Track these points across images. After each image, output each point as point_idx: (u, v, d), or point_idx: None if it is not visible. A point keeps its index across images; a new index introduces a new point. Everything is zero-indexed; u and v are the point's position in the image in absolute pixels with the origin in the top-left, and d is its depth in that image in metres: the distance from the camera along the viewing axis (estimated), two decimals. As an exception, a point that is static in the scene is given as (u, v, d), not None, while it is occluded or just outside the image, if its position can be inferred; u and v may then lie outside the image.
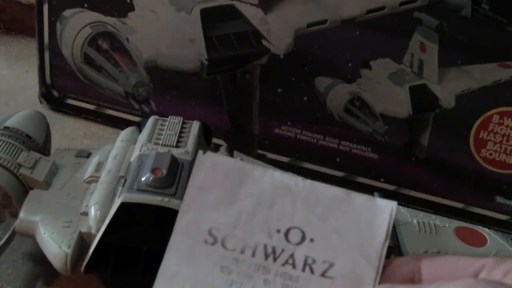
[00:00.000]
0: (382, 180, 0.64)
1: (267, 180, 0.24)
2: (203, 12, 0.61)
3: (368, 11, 0.57)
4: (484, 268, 0.22)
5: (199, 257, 0.23)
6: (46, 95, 0.72)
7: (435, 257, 0.23)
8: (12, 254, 0.52)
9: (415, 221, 0.55)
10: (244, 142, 0.66)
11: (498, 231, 0.58)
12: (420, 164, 0.63)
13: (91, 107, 0.70)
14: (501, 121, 0.58)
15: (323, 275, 0.23)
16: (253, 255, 0.23)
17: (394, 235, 0.53)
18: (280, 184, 0.24)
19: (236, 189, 0.24)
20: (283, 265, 0.23)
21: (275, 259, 0.23)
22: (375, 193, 0.59)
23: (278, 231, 0.23)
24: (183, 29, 0.62)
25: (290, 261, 0.23)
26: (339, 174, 0.65)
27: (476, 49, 0.56)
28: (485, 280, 0.21)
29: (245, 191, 0.24)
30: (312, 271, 0.23)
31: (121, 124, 0.65)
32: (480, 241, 0.55)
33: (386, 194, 0.60)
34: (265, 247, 0.23)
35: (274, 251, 0.23)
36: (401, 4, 0.56)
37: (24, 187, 0.49)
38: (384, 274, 0.23)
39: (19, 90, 0.76)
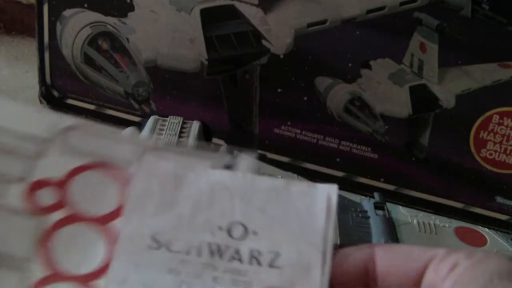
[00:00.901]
0: (382, 180, 0.64)
1: (203, 180, 0.25)
2: (203, 12, 0.61)
3: (368, 11, 0.57)
4: (435, 258, 0.22)
5: (145, 263, 0.23)
6: (46, 95, 0.72)
7: (390, 246, 0.23)
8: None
9: (415, 221, 0.55)
10: (244, 142, 0.66)
11: (498, 231, 0.58)
12: (420, 164, 0.63)
13: (91, 107, 0.70)
14: (501, 121, 0.58)
15: (270, 265, 0.23)
16: (199, 254, 0.23)
17: (394, 235, 0.53)
18: (216, 183, 0.25)
19: (173, 193, 0.24)
20: (229, 261, 0.23)
21: (221, 256, 0.23)
22: (375, 193, 0.59)
23: (220, 228, 0.24)
24: (183, 29, 0.62)
25: (236, 256, 0.23)
26: (339, 174, 0.65)
27: (476, 49, 0.56)
28: None
29: (183, 194, 0.24)
30: (259, 263, 0.23)
31: (121, 124, 0.65)
32: (480, 241, 0.55)
33: (386, 194, 0.60)
34: (210, 245, 0.23)
35: (219, 249, 0.23)
36: (401, 4, 0.56)
37: (24, 187, 0.49)
38: (335, 261, 0.23)
39: (19, 90, 0.76)
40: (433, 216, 0.57)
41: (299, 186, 0.24)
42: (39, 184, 0.25)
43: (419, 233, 0.54)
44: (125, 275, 0.23)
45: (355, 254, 0.23)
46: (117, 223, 0.24)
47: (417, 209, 0.60)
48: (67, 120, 0.26)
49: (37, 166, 0.25)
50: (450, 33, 0.56)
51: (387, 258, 0.23)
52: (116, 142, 0.26)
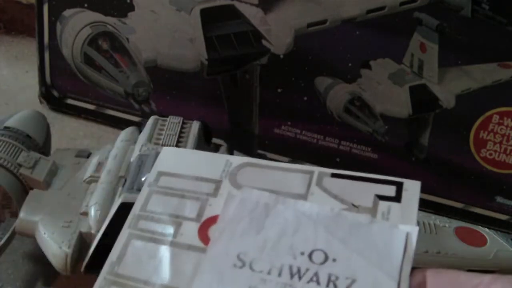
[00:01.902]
0: (382, 180, 0.64)
1: (291, 211, 0.26)
2: (203, 12, 0.61)
3: (368, 11, 0.57)
4: (481, 285, 0.23)
5: (229, 279, 0.25)
6: (46, 95, 0.72)
7: (439, 271, 0.24)
8: (12, 254, 0.52)
9: (415, 221, 0.55)
10: (244, 142, 0.66)
11: (498, 231, 0.58)
12: (420, 164, 0.63)
13: (91, 107, 0.70)
14: (501, 121, 0.58)
15: None
16: (279, 275, 0.25)
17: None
18: (303, 214, 0.26)
19: (262, 220, 0.26)
20: (308, 282, 0.24)
21: (300, 278, 0.24)
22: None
23: (302, 253, 0.25)
24: (183, 29, 0.62)
25: (315, 278, 0.24)
26: (339, 174, 0.65)
27: (476, 49, 0.56)
28: None
29: (270, 221, 0.26)
30: (336, 287, 0.24)
31: (121, 124, 0.65)
32: (480, 241, 0.55)
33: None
34: (291, 267, 0.25)
35: (299, 271, 0.25)
36: (401, 4, 0.56)
37: (24, 187, 0.49)
38: None
39: (19, 90, 0.76)
40: (433, 216, 0.57)
41: (381, 224, 0.26)
42: (210, 221, 0.27)
43: (419, 233, 0.54)
44: None
45: (412, 280, 0.24)
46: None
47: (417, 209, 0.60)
48: (236, 160, 0.29)
49: (208, 206, 0.28)
50: (450, 33, 0.56)
51: (437, 283, 0.24)
52: (285, 175, 0.28)
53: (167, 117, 0.53)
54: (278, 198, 0.27)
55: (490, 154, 0.60)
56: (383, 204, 0.27)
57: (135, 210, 0.28)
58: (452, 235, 0.55)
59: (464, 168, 0.62)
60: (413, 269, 0.25)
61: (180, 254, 0.26)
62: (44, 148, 0.55)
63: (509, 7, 0.54)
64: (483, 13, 0.55)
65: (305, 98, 0.63)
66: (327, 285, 0.24)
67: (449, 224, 0.56)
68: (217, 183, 0.28)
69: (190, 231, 0.27)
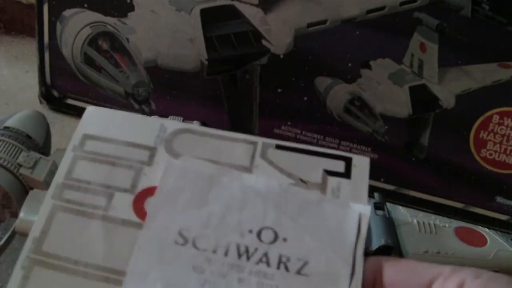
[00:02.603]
0: (382, 180, 0.64)
1: (237, 184, 0.25)
2: (203, 12, 0.61)
3: (368, 11, 0.57)
4: (440, 276, 0.22)
5: (170, 257, 0.23)
6: (46, 95, 0.72)
7: (396, 260, 0.24)
8: (12, 254, 0.52)
9: (415, 221, 0.55)
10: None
11: (498, 231, 0.58)
12: (420, 164, 0.63)
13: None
14: (501, 121, 0.58)
15: (298, 272, 0.23)
16: (226, 254, 0.23)
17: (394, 235, 0.53)
18: (251, 189, 0.24)
19: (205, 193, 0.24)
20: (257, 263, 0.23)
21: (248, 258, 0.23)
22: (375, 193, 0.59)
23: (250, 231, 0.24)
24: (183, 29, 0.62)
25: (264, 259, 0.23)
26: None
27: (476, 49, 0.56)
28: None
29: (215, 195, 0.24)
30: (287, 269, 0.23)
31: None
32: (480, 241, 0.55)
33: (386, 194, 0.60)
34: (238, 246, 0.23)
35: (247, 250, 0.23)
36: (401, 4, 0.56)
37: (24, 187, 0.49)
38: None
39: (19, 90, 0.76)
40: (433, 216, 0.57)
41: (332, 203, 0.24)
42: (146, 193, 0.25)
43: (419, 233, 0.54)
44: (147, 269, 0.23)
45: (367, 267, 0.23)
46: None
47: (417, 209, 0.60)
48: (171, 125, 0.26)
49: (143, 176, 0.25)
50: (450, 33, 0.56)
51: (393, 272, 0.23)
52: (224, 144, 0.26)
53: (167, 117, 0.53)
54: (223, 170, 0.25)
55: (490, 154, 0.60)
56: (332, 180, 0.25)
57: (58, 178, 0.25)
58: (452, 235, 0.55)
59: (464, 168, 0.62)
60: (367, 256, 0.24)
61: (113, 229, 0.23)
62: (44, 148, 0.55)
63: (509, 7, 0.54)
64: (483, 13, 0.55)
65: (305, 98, 0.63)
66: (278, 266, 0.23)
67: (449, 224, 0.56)
68: (152, 150, 0.26)
69: (124, 203, 0.24)
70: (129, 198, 0.24)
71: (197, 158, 0.25)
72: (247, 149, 0.26)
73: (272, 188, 0.25)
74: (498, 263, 0.53)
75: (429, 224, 0.55)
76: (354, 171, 0.26)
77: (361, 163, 0.26)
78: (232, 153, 0.26)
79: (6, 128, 0.53)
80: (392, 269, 0.23)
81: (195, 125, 0.27)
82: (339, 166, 0.26)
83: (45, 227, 0.23)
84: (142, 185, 0.25)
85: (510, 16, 0.54)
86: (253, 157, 0.26)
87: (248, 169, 0.25)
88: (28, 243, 0.23)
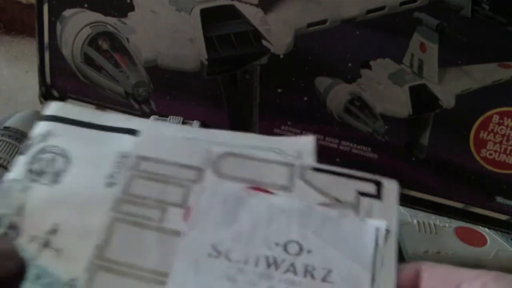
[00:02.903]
0: (382, 180, 0.64)
1: (263, 204, 0.27)
2: (203, 12, 0.61)
3: (368, 11, 0.57)
4: (466, 280, 0.24)
5: (205, 268, 0.25)
6: (46, 95, 0.72)
7: (433, 265, 0.25)
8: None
9: (415, 221, 0.55)
10: (244, 142, 0.66)
11: (498, 231, 0.58)
12: (420, 164, 0.63)
13: (91, 107, 0.70)
14: (501, 121, 0.58)
15: (323, 280, 0.25)
16: (256, 265, 0.25)
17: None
18: (275, 207, 0.27)
19: (234, 213, 0.27)
20: (284, 272, 0.25)
21: (277, 268, 0.25)
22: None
23: (277, 244, 0.26)
24: (183, 29, 0.62)
25: (291, 269, 0.25)
26: (339, 174, 0.65)
27: (476, 49, 0.56)
28: None
29: (243, 214, 0.27)
30: (313, 277, 0.25)
31: (121, 124, 0.65)
32: (480, 241, 0.55)
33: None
34: (267, 258, 0.25)
35: (275, 261, 0.25)
36: (401, 4, 0.56)
37: (24, 187, 0.49)
38: None
39: (19, 90, 0.76)
40: (433, 216, 0.57)
41: (350, 218, 0.27)
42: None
43: (419, 233, 0.54)
44: (184, 279, 0.25)
45: (407, 270, 0.25)
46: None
47: (417, 209, 0.60)
48: (217, 149, 0.29)
49: (192, 193, 0.28)
50: (450, 33, 0.56)
51: (430, 277, 0.25)
52: (265, 166, 0.29)
53: (167, 117, 0.53)
54: (249, 191, 0.28)
55: (490, 154, 0.60)
56: (365, 201, 0.28)
57: (117, 193, 0.28)
58: (452, 235, 0.55)
59: (464, 168, 0.62)
60: (404, 262, 0.26)
61: (166, 238, 0.26)
62: (44, 148, 0.55)
63: (509, 7, 0.54)
64: (483, 13, 0.55)
65: (305, 98, 0.63)
66: (304, 275, 0.25)
67: (449, 224, 0.56)
68: (200, 171, 0.28)
69: (175, 216, 0.27)
70: (180, 212, 0.27)
71: (241, 178, 0.28)
72: (286, 171, 0.29)
73: (295, 206, 0.27)
74: (498, 263, 0.53)
75: (429, 224, 0.55)
76: (384, 193, 0.29)
77: (391, 186, 0.30)
78: (272, 174, 0.29)
79: (6, 128, 0.53)
80: (429, 274, 0.25)
81: (238, 149, 0.29)
82: (371, 188, 0.29)
83: (106, 236, 0.26)
84: (191, 200, 0.28)
85: (510, 16, 0.54)
86: (292, 178, 0.28)
87: (288, 188, 0.28)
88: (93, 251, 0.26)
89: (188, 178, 0.28)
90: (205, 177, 0.28)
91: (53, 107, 0.31)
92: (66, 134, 0.29)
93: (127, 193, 0.27)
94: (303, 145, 0.30)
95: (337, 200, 0.28)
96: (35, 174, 0.28)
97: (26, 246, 0.25)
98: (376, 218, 0.27)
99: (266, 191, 0.28)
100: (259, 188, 0.28)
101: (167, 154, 0.29)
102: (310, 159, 0.30)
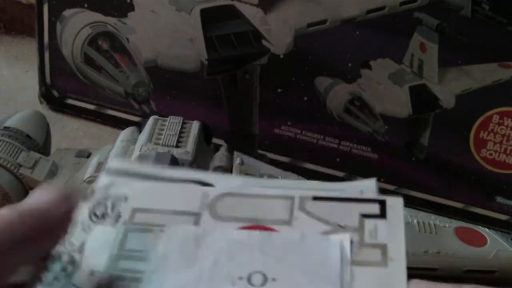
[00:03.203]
0: (382, 180, 0.64)
1: (221, 239, 0.27)
2: (203, 12, 0.61)
3: (368, 11, 0.58)
4: None
5: None
6: (46, 95, 0.72)
7: (420, 283, 0.25)
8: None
9: (415, 221, 0.55)
10: (244, 142, 0.66)
11: (498, 231, 0.58)
12: (420, 164, 0.63)
13: (91, 107, 0.70)
14: (501, 121, 0.58)
15: None
16: None
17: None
18: (235, 241, 0.27)
19: (193, 254, 0.26)
20: None
21: None
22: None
23: (241, 278, 0.25)
24: (183, 29, 0.62)
25: None
26: (339, 174, 0.65)
27: (476, 49, 0.56)
28: None
29: (202, 253, 0.26)
30: None
31: (121, 124, 0.65)
32: (480, 241, 0.55)
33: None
34: None
35: None
36: (401, 4, 0.56)
37: (24, 187, 0.49)
38: None
39: (19, 90, 0.76)
40: (433, 216, 0.57)
41: (313, 239, 0.26)
42: None
43: (419, 233, 0.54)
44: None
45: None
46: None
47: (417, 209, 0.60)
48: (212, 191, 0.29)
49: None
50: (450, 33, 0.56)
51: None
52: (264, 202, 0.28)
53: (167, 117, 0.53)
54: (206, 230, 0.27)
55: (490, 154, 0.60)
56: (369, 222, 0.28)
57: (112, 250, 0.28)
58: (452, 235, 0.55)
59: (464, 168, 0.62)
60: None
61: None
62: (44, 148, 0.55)
63: (509, 7, 0.54)
64: (483, 13, 0.55)
65: (305, 98, 0.63)
66: None
67: (449, 224, 0.56)
68: (196, 216, 0.28)
69: None
70: None
71: (238, 218, 0.28)
72: (286, 204, 0.28)
73: (254, 236, 0.27)
74: (498, 263, 0.53)
75: (429, 224, 0.55)
76: (389, 211, 0.28)
77: (395, 203, 0.28)
78: (271, 210, 0.28)
79: (6, 128, 0.53)
80: None
81: (235, 188, 0.29)
82: (375, 208, 0.28)
83: None
84: None
85: (510, 16, 0.54)
86: (291, 210, 0.28)
87: (288, 222, 0.27)
88: None
89: (185, 224, 0.28)
90: (201, 222, 0.28)
91: (115, 164, 0.31)
92: (127, 184, 0.30)
93: (123, 249, 0.27)
94: (366, 186, 0.29)
95: (340, 226, 0.27)
96: (97, 217, 0.28)
97: (82, 281, 0.26)
98: (382, 237, 0.27)
99: (266, 229, 0.27)
100: (257, 226, 0.27)
101: (162, 202, 0.29)
102: (372, 194, 0.29)
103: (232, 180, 0.31)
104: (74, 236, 0.27)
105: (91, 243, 0.27)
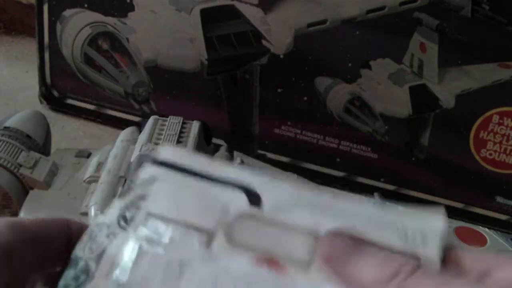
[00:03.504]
0: (382, 180, 0.64)
1: (207, 269, 0.25)
2: (203, 12, 0.61)
3: (368, 11, 0.58)
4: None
5: None
6: (46, 95, 0.72)
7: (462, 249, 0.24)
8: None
9: (415, 221, 0.55)
10: (244, 142, 0.67)
11: (498, 231, 0.58)
12: (420, 164, 0.63)
13: (91, 107, 0.70)
14: (501, 121, 0.58)
15: None
16: None
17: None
18: (220, 272, 0.25)
19: (176, 281, 0.24)
20: None
21: None
22: (375, 193, 0.59)
23: None
24: (183, 29, 0.62)
25: None
26: (339, 174, 0.65)
27: (476, 49, 0.56)
28: None
29: (185, 283, 0.24)
30: None
31: (121, 124, 0.65)
32: (480, 241, 0.55)
33: (386, 194, 0.60)
34: None
35: None
36: (401, 4, 0.56)
37: (24, 187, 0.49)
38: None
39: (19, 90, 0.76)
40: (433, 216, 0.57)
41: (305, 276, 0.24)
42: None
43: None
44: None
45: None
46: None
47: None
48: (235, 208, 0.26)
49: None
50: (450, 33, 0.56)
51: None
52: (286, 234, 0.25)
53: (167, 117, 0.53)
54: (194, 257, 0.25)
55: (490, 154, 0.60)
56: None
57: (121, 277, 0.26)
58: (452, 235, 0.55)
59: (464, 168, 0.62)
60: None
61: None
62: (44, 148, 0.55)
63: (509, 7, 0.54)
64: (483, 13, 0.55)
65: (305, 98, 0.63)
66: None
67: (449, 224, 0.56)
68: (209, 235, 0.25)
69: None
70: None
71: (253, 248, 0.25)
72: (309, 243, 0.25)
73: (241, 268, 0.25)
74: (498, 263, 0.53)
75: (429, 224, 0.55)
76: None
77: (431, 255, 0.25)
78: (292, 245, 0.25)
79: (6, 128, 0.53)
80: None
81: (259, 211, 0.26)
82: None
83: None
84: None
85: (510, 16, 0.54)
86: (314, 252, 0.25)
87: (306, 265, 0.24)
88: None
89: (196, 244, 0.25)
90: (212, 245, 0.25)
91: (165, 152, 0.28)
92: (169, 182, 0.27)
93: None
94: (431, 224, 0.25)
95: None
96: (126, 221, 0.26)
97: None
98: None
99: (277, 266, 0.25)
100: (269, 260, 0.25)
101: (179, 210, 0.26)
102: (434, 247, 0.24)
103: (282, 191, 0.27)
104: (97, 242, 0.25)
105: (110, 251, 0.25)
